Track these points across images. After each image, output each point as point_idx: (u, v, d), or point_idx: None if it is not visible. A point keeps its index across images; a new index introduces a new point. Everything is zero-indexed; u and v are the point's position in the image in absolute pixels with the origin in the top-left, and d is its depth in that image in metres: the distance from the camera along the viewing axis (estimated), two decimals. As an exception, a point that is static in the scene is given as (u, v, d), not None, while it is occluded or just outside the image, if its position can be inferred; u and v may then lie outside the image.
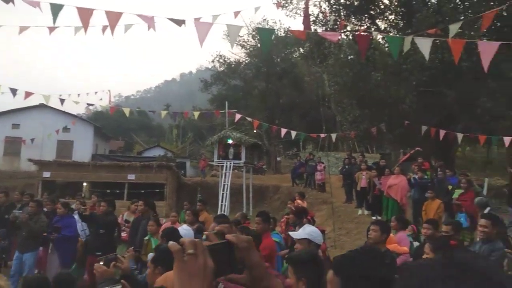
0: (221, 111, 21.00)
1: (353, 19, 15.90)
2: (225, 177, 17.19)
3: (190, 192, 19.11)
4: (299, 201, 9.49)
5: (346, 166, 14.11)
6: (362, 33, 9.61)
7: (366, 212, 11.97)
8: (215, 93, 35.78)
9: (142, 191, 16.11)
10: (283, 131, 14.82)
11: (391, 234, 5.26)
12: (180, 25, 5.92)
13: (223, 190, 16.66)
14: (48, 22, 6.01)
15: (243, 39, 31.61)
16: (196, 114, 18.34)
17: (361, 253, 1.47)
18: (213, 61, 34.39)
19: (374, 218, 10.49)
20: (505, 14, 10.98)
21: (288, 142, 30.29)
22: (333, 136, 15.61)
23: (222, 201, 16.40)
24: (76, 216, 8.07)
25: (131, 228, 7.83)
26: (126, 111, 16.84)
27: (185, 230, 4.89)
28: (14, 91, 11.12)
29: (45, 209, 7.93)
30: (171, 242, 0.99)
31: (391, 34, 14.18)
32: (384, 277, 1.32)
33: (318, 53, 19.10)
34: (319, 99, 26.59)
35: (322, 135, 14.75)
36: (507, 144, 10.65)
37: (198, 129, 41.35)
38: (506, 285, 0.66)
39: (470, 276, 0.67)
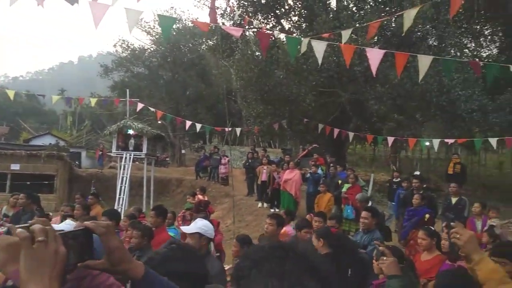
0: (121, 99, 19.98)
1: (260, 17, 16.24)
2: (124, 169, 16.37)
3: (84, 184, 17.83)
4: (199, 196, 9.43)
5: (249, 160, 14.42)
6: (264, 31, 9.83)
7: (265, 205, 12.38)
8: (117, 79, 33.88)
9: (28, 183, 14.62)
10: (188, 123, 14.60)
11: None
12: (72, 4, 5.45)
13: (122, 183, 15.86)
14: None
15: (149, 25, 30.36)
16: (93, 100, 17.10)
17: (172, 252, 1.48)
18: (115, 46, 32.46)
19: (272, 210, 10.91)
20: (394, 25, 12.16)
21: (194, 135, 30.01)
22: (238, 130, 15.83)
23: (120, 195, 15.61)
24: None
25: (10, 224, 7.02)
26: (11, 93, 15.05)
27: (68, 225, 4.52)
28: None
29: None
30: (19, 230, 0.96)
31: (294, 34, 14.80)
32: (194, 273, 1.42)
33: (225, 47, 19.17)
34: (226, 93, 26.80)
35: (227, 129, 14.86)
36: (390, 143, 11.87)
37: (97, 118, 38.78)
38: (316, 263, 0.82)
39: (291, 256, 0.82)
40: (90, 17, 5.01)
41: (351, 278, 4.42)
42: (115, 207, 14.42)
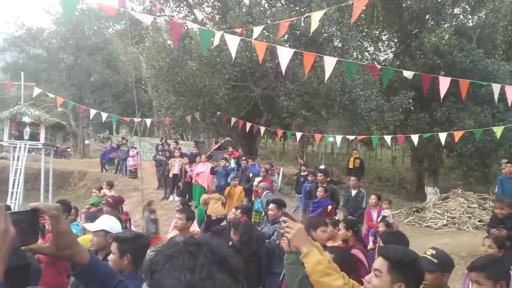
0: (15, 82, 18.06)
1: (172, 5, 15.81)
2: (18, 159, 14.82)
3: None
4: (105, 191, 8.94)
5: (160, 153, 14.05)
6: (175, 21, 9.60)
7: (177, 198, 12.19)
8: (9, 60, 30.50)
9: None
10: (92, 111, 13.71)
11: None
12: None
13: (15, 175, 14.37)
14: None
15: (48, 4, 27.76)
16: (-20, 83, 15.17)
17: None
18: (7, 23, 29.11)
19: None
20: (303, 25, 12.72)
21: (99, 125, 28.28)
22: (148, 121, 15.31)
23: (13, 188, 14.14)
24: None
25: None
26: None
27: None
28: None
29: None
30: None
31: (207, 26, 14.69)
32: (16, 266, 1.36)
33: (135, 33, 18.35)
34: (135, 81, 25.64)
35: (136, 120, 14.28)
36: (298, 138, 12.46)
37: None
38: (227, 257, 0.88)
39: (204, 250, 0.87)
40: None
41: (254, 265, 4.62)
42: (8, 202, 13.06)
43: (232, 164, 11.79)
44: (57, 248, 1.14)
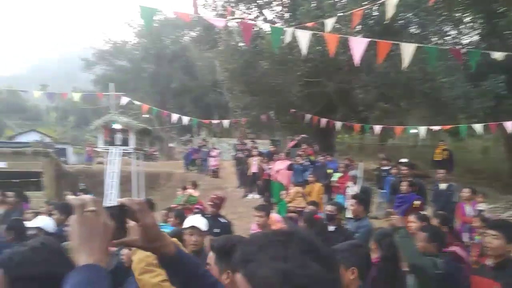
0: (105, 93, 19.72)
1: (242, 7, 16.16)
2: (112, 164, 16.25)
3: (73, 181, 17.66)
4: (190, 190, 9.43)
5: (238, 152, 14.45)
6: (246, 21, 9.80)
7: (257, 196, 12.45)
8: (99, 73, 33.42)
9: (16, 181, 14.43)
10: (174, 116, 14.54)
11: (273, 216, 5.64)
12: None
13: (111, 178, 15.76)
14: None
15: (130, 18, 29.96)
16: (77, 95, 16.85)
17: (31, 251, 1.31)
18: (97, 39, 32.00)
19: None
20: (377, 13, 12.22)
21: (181, 128, 29.83)
22: (225, 122, 15.83)
23: (109, 190, 15.52)
24: None
25: (2, 222, 7.00)
26: (-7, 91, 14.80)
27: (42, 221, 4.50)
28: None
29: None
30: (73, 197, 1.01)
31: (277, 24, 14.77)
32: (54, 274, 1.22)
33: (209, 38, 19.03)
34: (212, 85, 26.68)
35: (215, 121, 14.84)
36: (377, 132, 12.01)
37: (81, 113, 38.26)
38: (317, 246, 0.88)
39: (294, 240, 0.87)
40: (71, 11, 4.92)
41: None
42: (105, 204, 14.36)
43: (308, 161, 11.71)
44: (146, 240, 1.18)
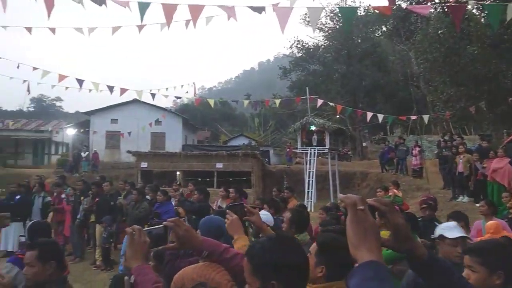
0: (301, 97, 20.84)
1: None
2: (310, 164, 17.11)
3: (275, 179, 19.35)
4: (394, 191, 9.04)
5: (443, 149, 13.14)
6: (455, 3, 8.76)
7: (467, 198, 11.09)
8: (294, 79, 35.54)
9: (230, 179, 16.67)
10: (369, 114, 14.25)
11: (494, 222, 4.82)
12: (260, 12, 5.90)
13: (309, 177, 16.60)
14: (136, 21, 6.39)
15: (321, 21, 30.85)
16: (277, 101, 18.39)
17: (274, 240, 1.46)
18: (291, 47, 34.15)
19: (477, 205, 9.65)
20: None
21: (374, 127, 29.14)
22: (426, 118, 14.65)
23: (308, 188, 16.36)
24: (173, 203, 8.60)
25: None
26: (211, 102, 17.49)
27: (264, 215, 4.91)
28: (111, 88, 12.09)
29: (148, 197, 8.55)
30: (345, 195, 1.06)
31: (487, 2, 12.80)
32: (295, 264, 1.35)
33: (404, 29, 17.99)
34: (407, 79, 25.13)
35: (413, 117, 13.90)
36: None
37: (279, 117, 41.61)
38: None
39: None
40: (273, 22, 5.35)
41: None
42: (305, 201, 15.18)
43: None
44: (397, 240, 1.17)
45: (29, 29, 8.40)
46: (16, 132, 29.19)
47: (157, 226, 1.76)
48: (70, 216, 9.41)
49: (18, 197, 9.65)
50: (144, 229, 1.66)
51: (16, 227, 9.08)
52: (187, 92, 37.58)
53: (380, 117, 14.34)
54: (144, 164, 18.56)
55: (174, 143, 27.48)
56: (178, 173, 18.41)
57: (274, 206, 6.88)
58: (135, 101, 26.46)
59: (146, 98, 20.59)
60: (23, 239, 9.26)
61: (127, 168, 21.84)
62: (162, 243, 1.71)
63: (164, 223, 1.76)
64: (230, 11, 5.72)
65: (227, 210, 2.28)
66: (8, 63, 10.60)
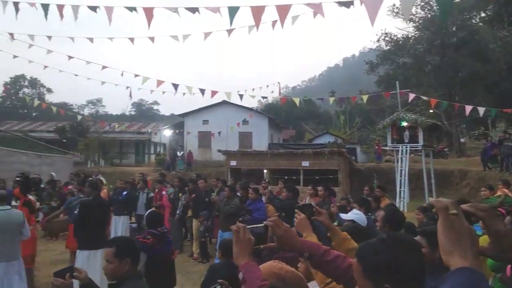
0: (391, 92, 19.94)
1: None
2: (401, 162, 16.33)
3: (363, 178, 18.78)
4: (505, 190, 8.27)
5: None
6: None
7: None
8: (382, 74, 34.13)
9: (317, 177, 16.60)
10: (468, 108, 13.20)
11: None
12: (348, 7, 5.81)
13: (401, 176, 15.86)
14: (225, 26, 6.70)
15: (412, 11, 29.16)
16: (365, 97, 17.83)
17: (386, 241, 1.34)
18: (378, 41, 32.85)
19: None
20: None
21: (473, 121, 26.82)
22: (537, 109, 13.16)
23: (400, 188, 15.63)
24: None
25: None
26: (296, 100, 17.61)
27: (356, 214, 4.79)
28: (202, 91, 12.80)
29: (238, 194, 8.91)
30: (436, 199, 1.04)
31: None
32: (410, 267, 1.24)
33: (507, 14, 16.31)
34: (511, 68, 22.73)
35: (521, 110, 12.55)
36: None
37: (366, 114, 40.24)
38: None
39: None
40: (361, 16, 5.22)
41: None
42: (396, 201, 14.55)
43: None
44: (499, 249, 1.10)
45: (131, 39, 9.30)
46: (121, 134, 32.32)
47: (258, 225, 1.81)
48: (169, 211, 10.18)
49: (124, 193, 10.69)
50: (247, 227, 1.73)
51: (124, 220, 10.09)
52: (272, 92, 38.20)
53: (481, 110, 13.20)
54: (233, 163, 19.30)
55: (260, 141, 28.16)
56: (265, 171, 18.82)
57: (364, 205, 6.75)
58: (224, 103, 27.64)
59: (234, 99, 21.44)
60: (134, 225, 10.32)
61: (218, 166, 22.91)
62: (262, 242, 1.77)
63: (264, 222, 1.82)
64: (317, 8, 5.73)
65: (296, 210, 2.33)
66: (113, 72, 11.83)
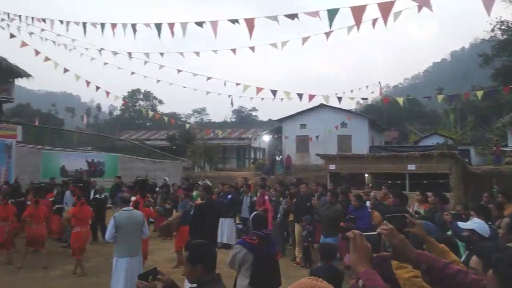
0: (510, 86, 17.76)
1: None
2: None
3: (480, 182, 16.95)
4: None
5: None
6: None
7: None
8: (498, 66, 30.65)
9: (425, 182, 15.49)
10: None
11: None
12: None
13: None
14: (323, 29, 6.63)
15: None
16: (479, 93, 16.10)
17: None
18: (492, 30, 29.56)
19: None
20: None
21: None
22: None
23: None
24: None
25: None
26: (400, 100, 16.66)
27: (476, 223, 4.31)
28: (300, 96, 12.86)
29: (338, 199, 8.74)
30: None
31: None
32: None
33: None
34: None
35: None
36: None
37: (480, 111, 36.43)
38: None
39: None
40: (474, 5, 4.76)
41: None
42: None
43: None
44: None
45: (233, 50, 9.75)
46: (223, 140, 34.09)
47: (372, 233, 1.82)
48: (271, 215, 10.40)
49: (229, 196, 11.22)
50: (363, 234, 1.71)
51: (229, 222, 10.59)
52: (372, 92, 36.81)
53: None
54: (332, 166, 18.98)
55: (360, 144, 27.28)
56: (366, 175, 18.16)
57: (483, 212, 6.11)
58: (321, 106, 27.41)
59: (332, 102, 21.08)
60: (239, 226, 10.81)
61: (316, 170, 22.75)
62: (375, 250, 1.76)
63: (377, 230, 1.81)
64: (423, 2, 5.38)
65: (384, 220, 2.18)
66: (216, 82, 12.53)
